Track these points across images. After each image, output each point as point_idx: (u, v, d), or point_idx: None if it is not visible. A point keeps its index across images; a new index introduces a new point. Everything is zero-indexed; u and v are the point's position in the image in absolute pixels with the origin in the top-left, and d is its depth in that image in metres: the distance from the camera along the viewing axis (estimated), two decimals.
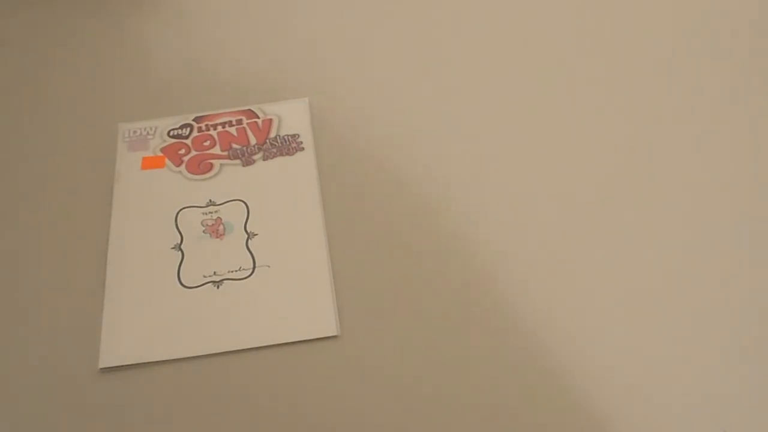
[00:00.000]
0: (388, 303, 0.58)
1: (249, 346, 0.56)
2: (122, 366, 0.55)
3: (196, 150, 0.67)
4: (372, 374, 0.54)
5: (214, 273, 0.59)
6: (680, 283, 0.58)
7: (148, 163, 0.66)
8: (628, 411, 0.52)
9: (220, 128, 0.69)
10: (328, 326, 0.56)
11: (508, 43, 0.74)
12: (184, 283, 0.59)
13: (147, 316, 0.57)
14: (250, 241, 0.61)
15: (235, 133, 0.68)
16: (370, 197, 0.64)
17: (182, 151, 0.67)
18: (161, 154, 0.67)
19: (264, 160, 0.66)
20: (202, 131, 0.69)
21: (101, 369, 0.55)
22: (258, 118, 0.69)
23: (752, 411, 0.52)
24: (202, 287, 0.59)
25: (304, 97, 0.71)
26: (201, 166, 0.66)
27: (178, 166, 0.66)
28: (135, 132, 0.69)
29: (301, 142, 0.67)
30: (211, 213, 0.63)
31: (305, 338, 0.56)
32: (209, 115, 0.70)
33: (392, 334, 0.56)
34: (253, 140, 0.68)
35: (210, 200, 0.64)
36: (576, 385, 0.53)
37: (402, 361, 0.55)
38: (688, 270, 0.58)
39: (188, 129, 0.69)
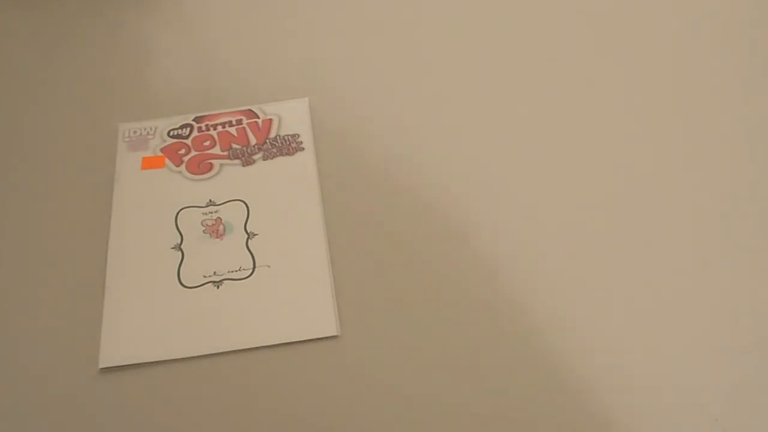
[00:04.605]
0: (388, 303, 0.58)
1: (249, 346, 0.56)
2: (122, 366, 0.55)
3: (196, 150, 0.67)
4: (372, 374, 0.54)
5: (214, 273, 0.59)
6: (680, 281, 0.58)
7: (148, 163, 0.66)
8: (626, 406, 0.52)
9: (220, 128, 0.69)
10: (328, 326, 0.56)
11: (510, 42, 0.74)
12: (184, 283, 0.59)
13: (147, 316, 0.57)
14: (250, 241, 0.61)
15: (235, 133, 0.68)
16: (370, 197, 0.64)
17: (182, 151, 0.67)
18: (161, 154, 0.67)
19: (264, 160, 0.66)
20: (202, 131, 0.69)
21: (101, 369, 0.55)
22: (258, 118, 0.69)
23: (744, 402, 0.52)
24: (202, 287, 0.59)
25: (304, 97, 0.71)
26: (201, 166, 0.66)
27: (178, 166, 0.66)
28: (135, 132, 0.69)
29: (301, 142, 0.67)
30: (211, 213, 0.63)
31: (305, 338, 0.56)
32: (209, 115, 0.70)
33: (392, 334, 0.56)
34: (253, 140, 0.68)
35: (210, 200, 0.64)
36: (575, 383, 0.53)
37: (402, 361, 0.55)
38: (688, 270, 0.58)
39: (188, 129, 0.69)
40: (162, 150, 0.67)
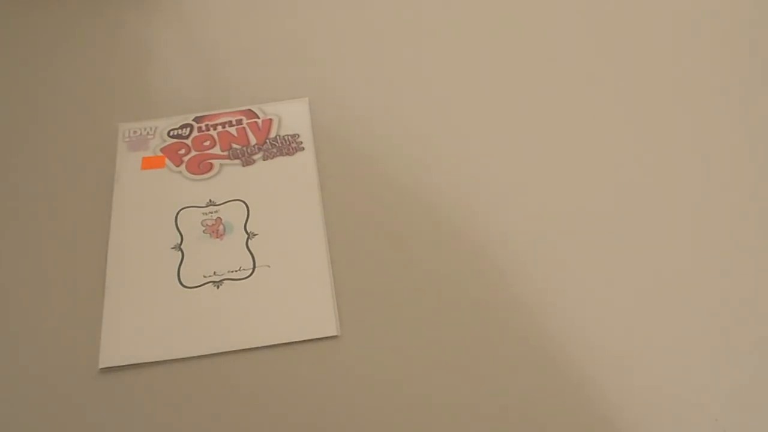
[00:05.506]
0: (388, 303, 0.58)
1: (249, 346, 0.56)
2: (122, 366, 0.55)
3: (196, 150, 0.67)
4: (372, 374, 0.54)
5: (214, 273, 0.59)
6: (680, 281, 0.58)
7: (148, 163, 0.66)
8: (626, 406, 0.52)
9: (220, 128, 0.69)
10: (328, 326, 0.56)
11: (510, 42, 0.74)
12: (184, 283, 0.59)
13: (147, 316, 0.57)
14: (250, 241, 0.61)
15: (235, 133, 0.68)
16: (370, 197, 0.64)
17: (182, 151, 0.67)
18: (161, 154, 0.67)
19: (264, 160, 0.66)
20: (202, 131, 0.69)
21: (101, 369, 0.55)
22: (258, 118, 0.69)
23: (744, 402, 0.52)
24: (202, 287, 0.59)
25: (304, 97, 0.71)
26: (201, 166, 0.66)
27: (178, 166, 0.66)
28: (135, 132, 0.69)
29: (301, 142, 0.67)
30: (211, 213, 0.63)
31: (305, 338, 0.56)
32: (209, 115, 0.70)
33: (392, 334, 0.56)
34: (253, 140, 0.68)
35: (210, 200, 0.64)
36: (575, 383, 0.53)
37: (402, 361, 0.55)
38: (689, 270, 0.58)
39: (188, 129, 0.69)
40: (162, 150, 0.67)
